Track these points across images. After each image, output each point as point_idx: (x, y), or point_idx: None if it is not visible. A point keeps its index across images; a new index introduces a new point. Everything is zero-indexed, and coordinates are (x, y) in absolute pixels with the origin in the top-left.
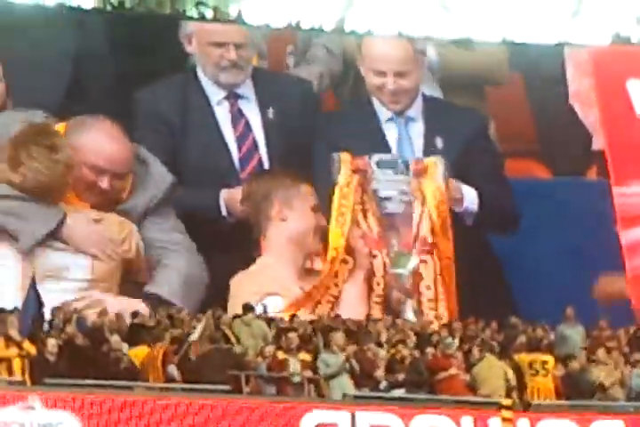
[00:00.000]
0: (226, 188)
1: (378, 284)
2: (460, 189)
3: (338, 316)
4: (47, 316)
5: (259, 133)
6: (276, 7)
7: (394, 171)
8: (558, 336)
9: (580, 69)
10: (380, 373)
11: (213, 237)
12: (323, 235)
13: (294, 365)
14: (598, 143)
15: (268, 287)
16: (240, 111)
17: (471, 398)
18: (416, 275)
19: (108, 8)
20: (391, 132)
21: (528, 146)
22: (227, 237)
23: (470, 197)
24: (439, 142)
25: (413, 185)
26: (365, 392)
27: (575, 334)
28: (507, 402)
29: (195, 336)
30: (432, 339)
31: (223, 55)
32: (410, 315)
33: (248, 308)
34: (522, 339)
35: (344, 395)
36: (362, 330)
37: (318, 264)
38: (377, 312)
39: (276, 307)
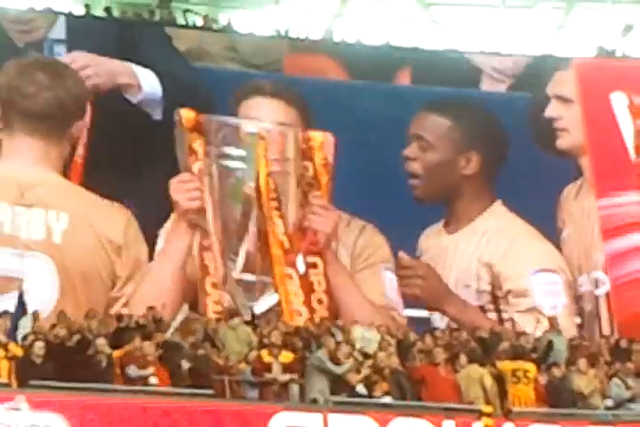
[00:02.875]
0: None
1: None
2: (131, 70)
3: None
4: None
5: None
6: (265, 16)
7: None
8: (543, 345)
9: None
10: (357, 378)
11: None
12: None
13: (277, 367)
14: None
15: None
16: None
17: (452, 404)
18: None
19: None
20: None
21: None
22: None
23: (149, 81)
24: None
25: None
26: (347, 398)
27: (559, 343)
28: (487, 409)
29: (171, 331)
30: (415, 347)
31: None
32: None
33: (234, 312)
34: (504, 346)
35: (325, 400)
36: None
37: None
38: None
39: None
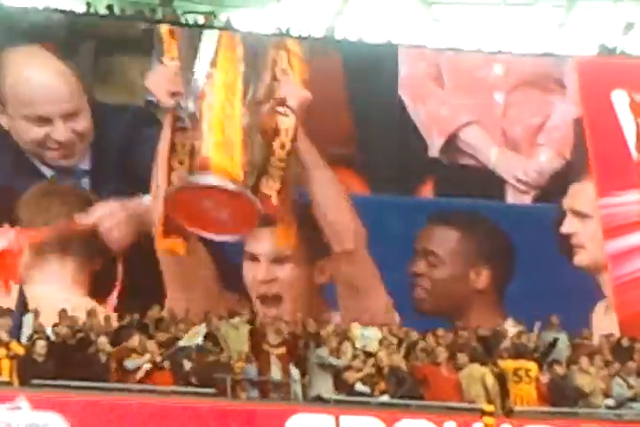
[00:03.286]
0: None
1: None
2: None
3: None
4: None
5: None
6: (266, 14)
7: None
8: (543, 343)
9: (412, 54)
10: (357, 377)
11: None
12: None
13: (275, 366)
14: (434, 149)
15: None
16: None
17: (454, 404)
18: None
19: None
20: None
21: (339, 149)
22: None
23: None
24: None
25: None
26: (349, 397)
27: (560, 341)
28: (488, 408)
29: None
30: (417, 346)
31: None
32: None
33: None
34: (506, 344)
35: (327, 399)
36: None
37: None
38: None
39: None
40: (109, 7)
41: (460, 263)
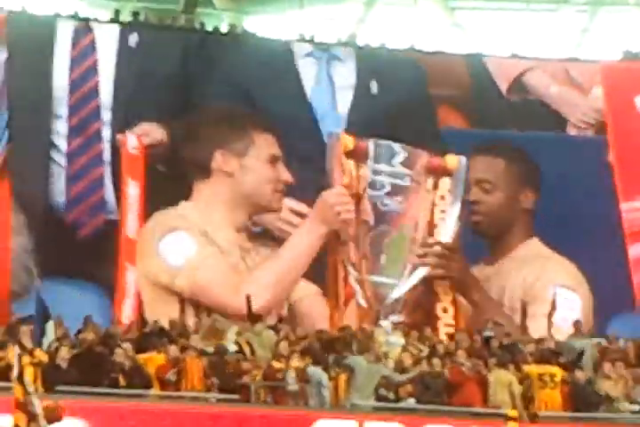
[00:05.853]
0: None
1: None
2: None
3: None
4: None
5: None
6: (289, 21)
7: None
8: (566, 348)
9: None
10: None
11: None
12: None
13: (290, 373)
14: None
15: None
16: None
17: (478, 409)
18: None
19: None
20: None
21: None
22: None
23: None
24: (374, 87)
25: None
26: (374, 402)
27: (584, 346)
28: (513, 413)
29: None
30: (438, 350)
31: None
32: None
33: (257, 317)
34: (530, 349)
35: (352, 405)
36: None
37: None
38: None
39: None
40: (135, 14)
41: (511, 187)
